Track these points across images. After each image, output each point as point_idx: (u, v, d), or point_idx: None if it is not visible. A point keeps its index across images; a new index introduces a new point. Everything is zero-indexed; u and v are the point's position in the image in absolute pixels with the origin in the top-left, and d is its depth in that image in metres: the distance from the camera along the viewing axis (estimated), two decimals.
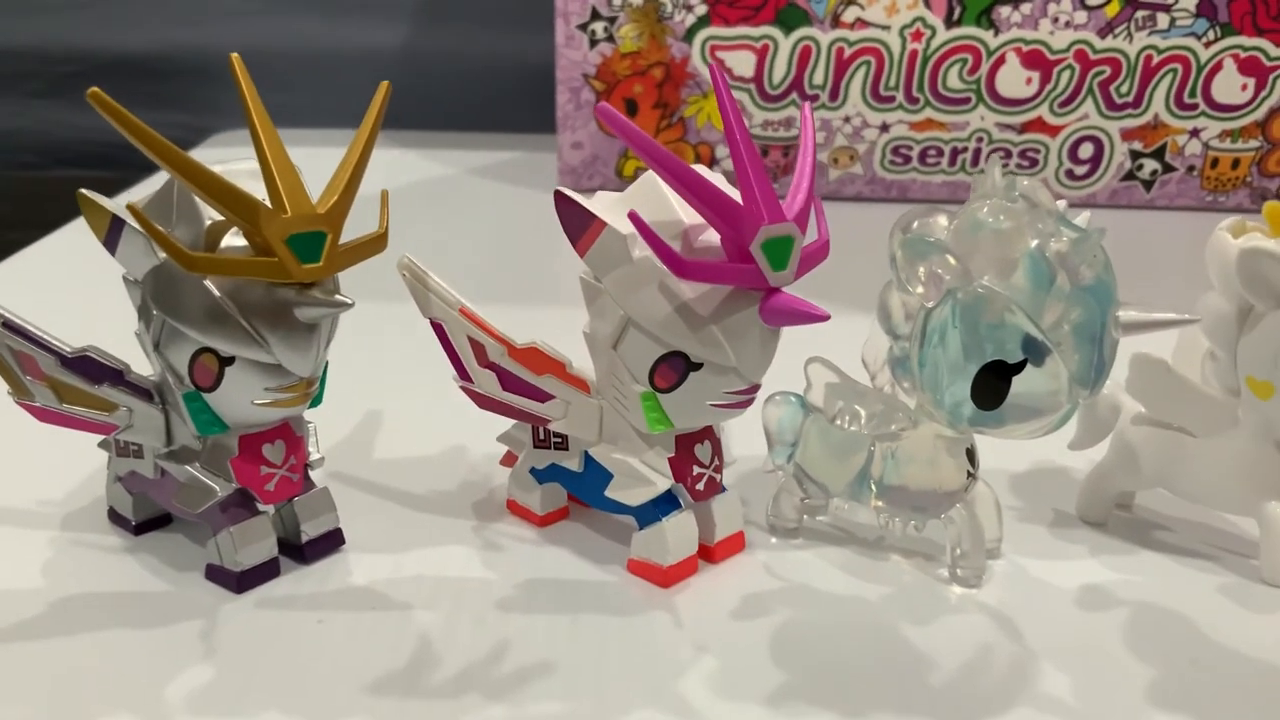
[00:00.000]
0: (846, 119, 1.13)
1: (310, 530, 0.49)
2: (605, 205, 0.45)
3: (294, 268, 0.41)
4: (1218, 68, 1.09)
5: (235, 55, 0.44)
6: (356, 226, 0.43)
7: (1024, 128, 1.12)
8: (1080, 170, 1.14)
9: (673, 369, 0.45)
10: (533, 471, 0.52)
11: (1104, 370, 0.44)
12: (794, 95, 1.12)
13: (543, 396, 0.48)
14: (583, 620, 0.45)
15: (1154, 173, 1.14)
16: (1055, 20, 1.07)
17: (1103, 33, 1.08)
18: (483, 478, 0.56)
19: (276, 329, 0.43)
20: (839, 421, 0.49)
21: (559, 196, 0.45)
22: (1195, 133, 1.12)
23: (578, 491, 0.51)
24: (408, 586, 0.47)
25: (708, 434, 0.49)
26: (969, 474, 0.48)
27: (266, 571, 0.47)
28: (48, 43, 1.43)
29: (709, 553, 0.50)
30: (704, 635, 0.44)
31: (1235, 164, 1.13)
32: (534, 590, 0.47)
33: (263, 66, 1.59)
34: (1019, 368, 0.43)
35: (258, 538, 0.47)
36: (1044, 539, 0.53)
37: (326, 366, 0.47)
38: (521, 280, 0.85)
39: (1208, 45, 1.08)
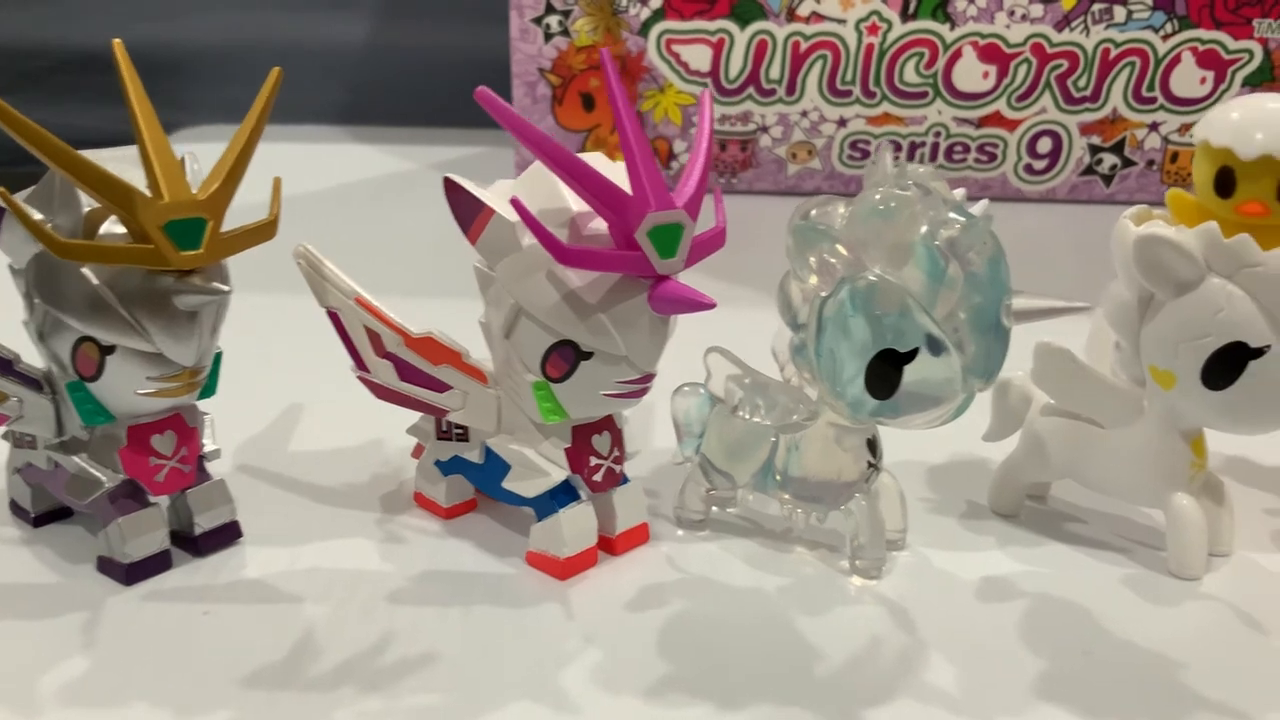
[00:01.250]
0: (804, 113, 1.12)
1: (204, 522, 0.48)
2: (499, 193, 0.45)
3: (171, 255, 0.41)
4: (1176, 61, 1.09)
5: (118, 42, 0.43)
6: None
7: (982, 122, 1.11)
8: (1039, 165, 1.13)
9: (563, 358, 0.44)
10: (437, 463, 0.51)
11: (998, 359, 0.44)
12: (751, 89, 1.11)
13: (440, 387, 0.48)
14: (474, 612, 0.45)
15: (1113, 167, 1.13)
16: (1011, 14, 1.07)
17: (1059, 26, 1.07)
18: (395, 470, 0.56)
19: (156, 317, 0.42)
20: (742, 412, 0.49)
21: (448, 183, 0.45)
22: (1154, 127, 1.11)
23: (479, 483, 0.50)
24: (301, 579, 0.47)
25: (607, 425, 0.48)
26: (869, 465, 0.48)
27: (158, 564, 0.47)
28: (14, 38, 1.42)
29: (610, 544, 0.49)
30: (593, 627, 0.44)
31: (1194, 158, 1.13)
32: (429, 582, 0.47)
33: (229, 61, 1.58)
34: (911, 356, 0.43)
35: (147, 529, 0.46)
36: (953, 530, 0.52)
37: (219, 357, 0.47)
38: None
39: (1165, 38, 1.08)
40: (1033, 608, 0.46)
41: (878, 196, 0.44)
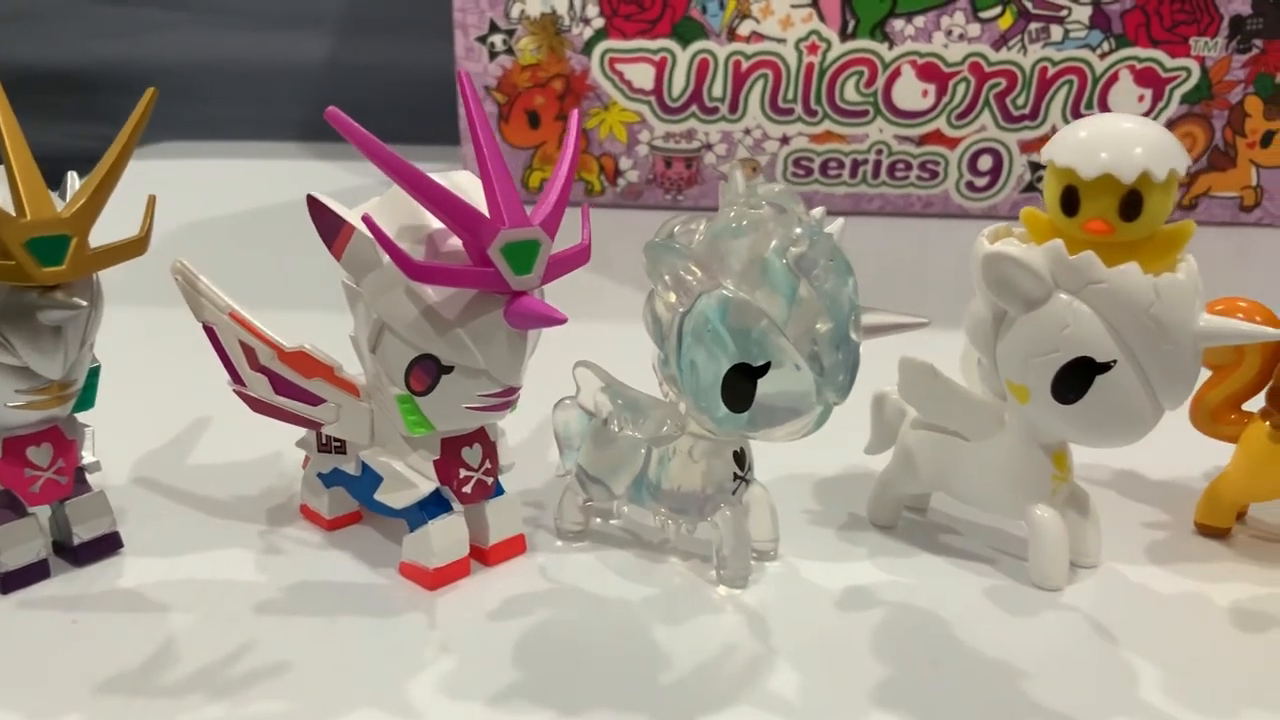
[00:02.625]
0: (747, 131, 1.13)
1: (82, 533, 0.49)
2: (363, 210, 0.46)
3: (33, 270, 0.42)
4: (1114, 79, 1.10)
5: None
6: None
7: (922, 140, 1.13)
8: (980, 182, 1.14)
9: (425, 372, 0.45)
10: (319, 475, 0.52)
11: (850, 373, 0.45)
12: (694, 107, 1.12)
13: (314, 400, 0.48)
14: (338, 622, 0.46)
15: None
16: (949, 33, 1.08)
17: (997, 45, 1.09)
18: (287, 483, 0.57)
19: (21, 332, 0.43)
20: (613, 425, 0.50)
21: (311, 201, 0.46)
22: None
23: (357, 495, 0.51)
24: (174, 589, 0.48)
25: (479, 437, 0.49)
26: (736, 476, 0.49)
27: (35, 573, 0.48)
28: None
29: (484, 555, 0.50)
30: (453, 637, 0.45)
31: None
32: (299, 593, 0.48)
33: (189, 79, 1.59)
34: (764, 370, 0.44)
35: (24, 539, 0.47)
36: (829, 541, 0.53)
37: (97, 370, 0.48)
38: None
39: (1103, 57, 1.09)
40: (890, 617, 0.47)
41: (731, 214, 0.45)
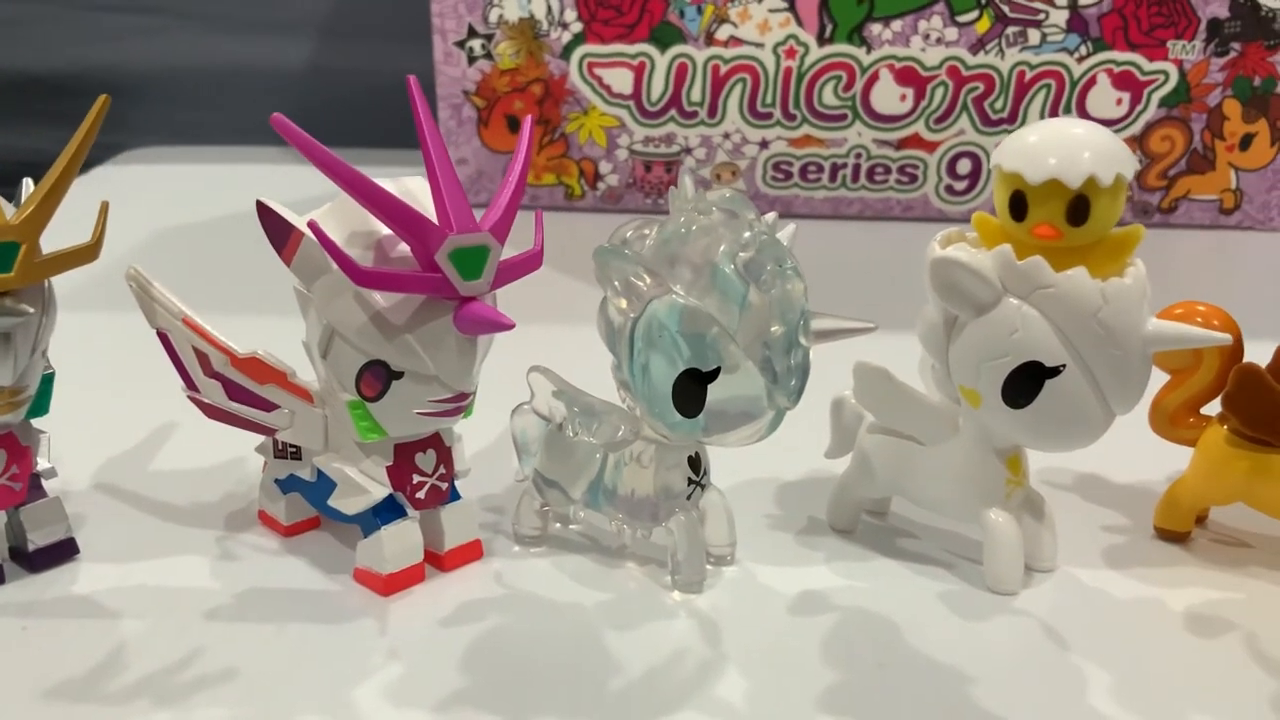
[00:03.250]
0: (726, 135, 1.13)
1: (38, 539, 0.49)
2: (315, 215, 0.46)
3: None
4: (1091, 83, 1.10)
5: None
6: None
7: (901, 144, 1.13)
8: (959, 186, 1.15)
9: (376, 377, 0.45)
10: (276, 481, 0.52)
11: (800, 378, 0.45)
12: (673, 112, 1.12)
13: (268, 406, 0.49)
14: (289, 628, 0.46)
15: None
16: (926, 37, 1.08)
17: (974, 49, 1.09)
18: (248, 489, 0.57)
19: None
20: (568, 430, 0.50)
21: (260, 207, 0.46)
22: None
23: (312, 501, 0.51)
24: (127, 595, 0.48)
25: (433, 443, 0.49)
26: (691, 481, 0.49)
27: None
28: None
29: (439, 561, 0.50)
30: (403, 643, 0.45)
31: None
32: (252, 599, 0.48)
33: (169, 84, 1.59)
34: (714, 375, 0.44)
35: None
36: (787, 546, 0.53)
37: (51, 376, 0.48)
38: None
39: (1080, 60, 1.09)
40: (842, 621, 0.47)
41: (681, 220, 0.45)
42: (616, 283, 0.45)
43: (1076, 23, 1.08)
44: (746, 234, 0.44)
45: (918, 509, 0.54)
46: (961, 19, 1.07)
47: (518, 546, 0.52)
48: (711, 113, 1.13)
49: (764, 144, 1.14)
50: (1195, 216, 1.16)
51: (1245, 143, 1.13)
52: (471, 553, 0.51)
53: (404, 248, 0.44)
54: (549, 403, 0.50)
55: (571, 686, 0.42)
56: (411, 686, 0.42)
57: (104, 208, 0.47)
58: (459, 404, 0.46)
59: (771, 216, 0.47)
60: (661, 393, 0.45)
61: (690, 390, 0.45)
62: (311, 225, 0.43)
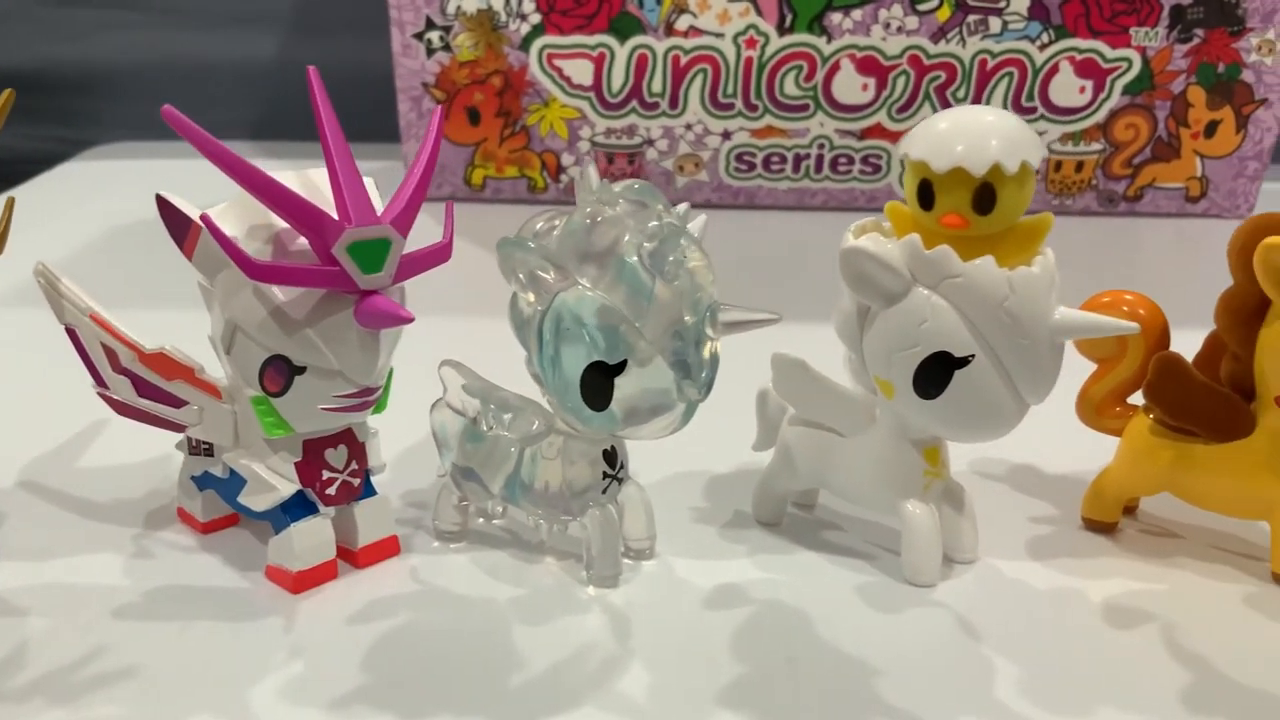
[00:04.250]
0: (688, 126, 1.13)
1: None
2: (217, 210, 0.46)
3: None
4: (1054, 71, 1.10)
5: None
6: None
7: (864, 134, 1.12)
8: None
9: (278, 373, 0.45)
10: (192, 478, 0.52)
11: (709, 369, 0.44)
12: (634, 103, 1.12)
13: (176, 402, 0.48)
14: (194, 626, 0.45)
15: None
16: (887, 26, 1.08)
17: (935, 38, 1.08)
18: (171, 486, 0.56)
19: None
20: (482, 424, 0.49)
21: (160, 201, 0.45)
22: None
23: (226, 498, 0.51)
24: (37, 593, 0.47)
25: (344, 438, 0.49)
26: (606, 475, 0.48)
27: None
28: None
29: (353, 557, 0.50)
30: (307, 641, 0.44)
31: (1079, 167, 1.14)
32: (161, 596, 0.47)
33: (138, 79, 1.58)
34: (621, 368, 0.44)
35: None
36: (709, 539, 0.53)
37: None
38: None
39: (1042, 48, 1.09)
40: (755, 615, 0.47)
41: (587, 211, 0.45)
42: (520, 275, 0.44)
43: (1038, 10, 1.07)
44: (652, 224, 0.44)
45: (846, 501, 0.54)
46: (922, 7, 1.07)
47: (437, 542, 0.52)
48: (673, 104, 1.12)
49: (726, 135, 1.13)
50: (1161, 205, 1.15)
51: (1210, 130, 1.12)
52: (388, 549, 0.50)
53: (301, 242, 0.44)
54: (461, 397, 0.50)
55: (471, 683, 0.42)
56: (308, 685, 0.42)
57: (9, 204, 0.47)
58: (365, 399, 0.46)
59: (683, 207, 0.46)
60: (571, 386, 0.45)
61: (598, 383, 0.44)
62: (204, 218, 0.42)
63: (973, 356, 0.44)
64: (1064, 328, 0.44)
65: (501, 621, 0.46)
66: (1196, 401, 0.49)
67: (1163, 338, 0.52)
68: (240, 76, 1.43)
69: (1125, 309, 0.52)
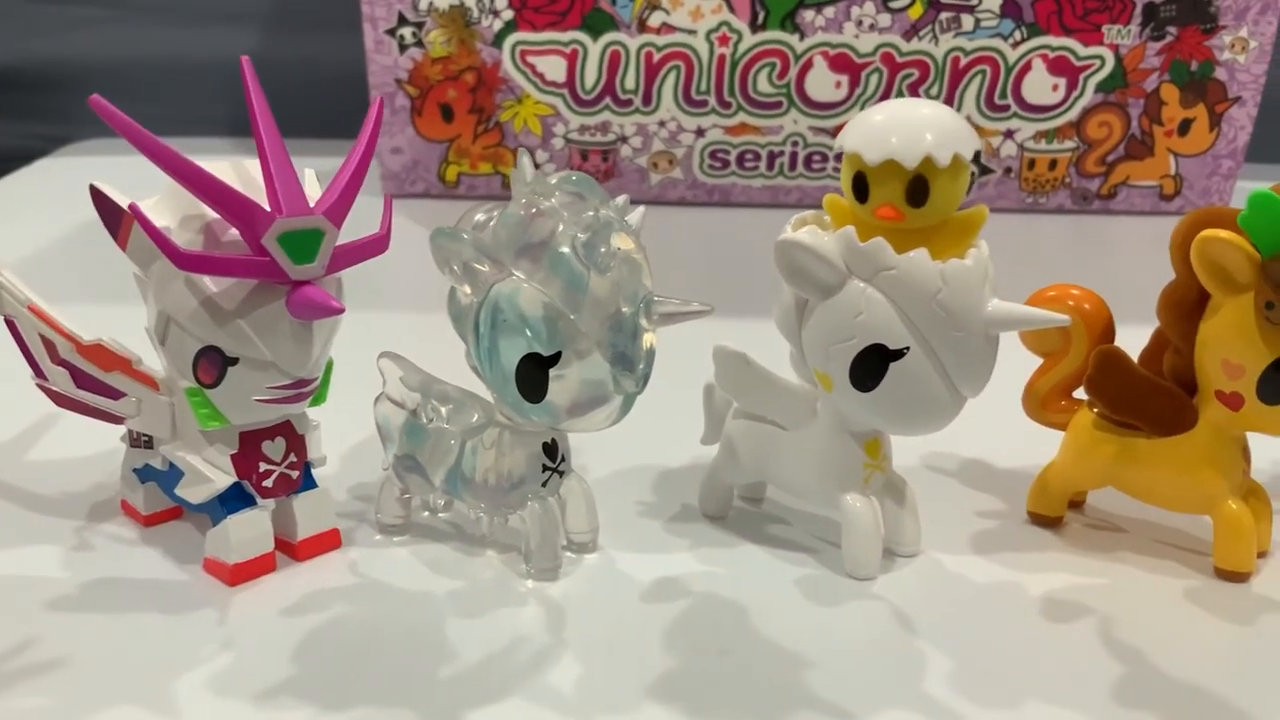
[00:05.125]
0: (662, 123, 1.12)
1: None
2: (150, 201, 0.45)
3: None
4: (1027, 68, 1.10)
5: None
6: None
7: (837, 131, 1.12)
8: None
9: (211, 364, 0.45)
10: (134, 470, 0.52)
11: (646, 361, 0.44)
12: (607, 100, 1.12)
13: (114, 394, 0.48)
14: (128, 619, 0.45)
15: (971, 175, 1.13)
16: (859, 23, 1.08)
17: (908, 35, 1.08)
18: (117, 478, 0.56)
19: None
20: (421, 416, 0.49)
21: (93, 191, 0.45)
22: (1009, 134, 1.12)
23: (166, 490, 0.51)
24: None
25: (283, 430, 0.49)
26: (546, 468, 0.48)
27: None
28: None
29: (293, 550, 0.49)
30: (239, 633, 0.44)
31: (1053, 165, 1.14)
32: (97, 589, 0.47)
33: (117, 76, 1.58)
34: (555, 360, 0.43)
35: None
36: (654, 532, 0.53)
37: None
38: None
39: (1015, 46, 1.09)
40: (692, 608, 0.47)
41: (523, 202, 0.45)
42: (454, 266, 0.44)
43: (1010, 8, 1.07)
44: (587, 216, 0.44)
45: (789, 494, 0.54)
46: (894, 5, 1.07)
47: (379, 536, 0.52)
48: (646, 101, 1.12)
49: (700, 132, 1.13)
50: (1135, 203, 1.15)
51: (1184, 128, 1.12)
52: (328, 542, 0.50)
53: (233, 233, 0.44)
54: (400, 389, 0.50)
55: (399, 676, 0.42)
56: (237, 677, 0.42)
57: None
58: (300, 390, 0.46)
59: (622, 199, 0.46)
60: (508, 378, 0.45)
61: (534, 375, 0.44)
62: (132, 208, 0.42)
63: (908, 349, 0.44)
64: (997, 320, 0.44)
65: (436, 614, 0.46)
66: (1137, 395, 0.49)
67: (1107, 332, 0.52)
68: (218, 73, 1.42)
69: (1070, 303, 0.52)
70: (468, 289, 0.45)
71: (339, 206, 0.44)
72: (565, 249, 0.43)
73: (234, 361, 0.44)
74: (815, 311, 0.46)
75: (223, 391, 0.45)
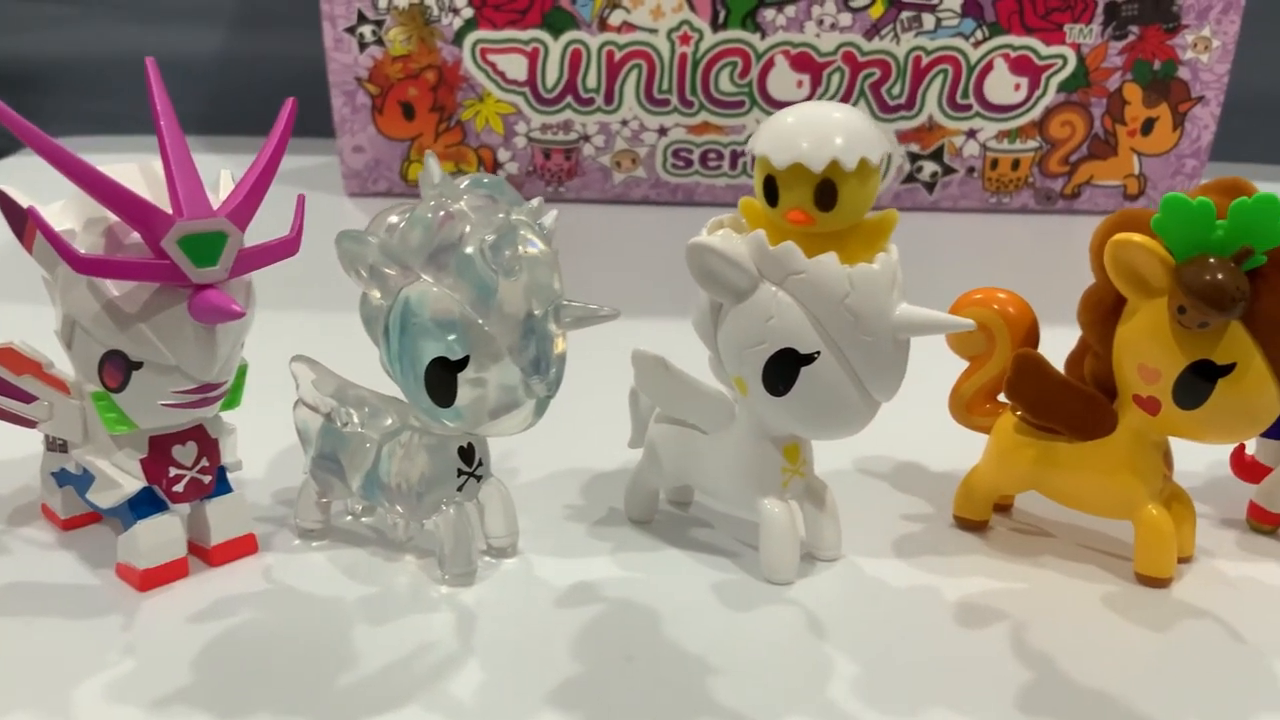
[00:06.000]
0: (624, 122, 1.12)
1: None
2: (59, 204, 0.45)
3: None
4: (989, 68, 1.09)
5: None
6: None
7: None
8: None
9: (116, 368, 0.44)
10: (52, 474, 0.51)
11: (557, 365, 0.44)
12: (569, 98, 1.11)
13: (26, 398, 0.47)
14: (32, 623, 0.45)
15: (934, 174, 1.13)
16: (820, 22, 1.07)
17: (869, 34, 1.08)
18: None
19: None
20: (336, 420, 0.49)
21: None
22: (972, 134, 1.12)
23: (81, 494, 0.50)
24: None
25: (194, 435, 0.48)
26: (461, 472, 0.48)
27: None
28: None
29: (207, 555, 0.49)
30: (143, 639, 0.44)
31: (1015, 165, 1.13)
32: (8, 593, 0.47)
33: (86, 74, 1.57)
34: (464, 364, 0.43)
35: None
36: (576, 537, 0.52)
37: None
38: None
39: (976, 45, 1.08)
40: (604, 613, 0.46)
41: (431, 205, 0.44)
42: (360, 270, 0.44)
43: (971, 7, 1.07)
44: (498, 218, 0.43)
45: (710, 498, 0.53)
46: (855, 4, 1.06)
47: (298, 540, 0.51)
48: (608, 99, 1.11)
49: (663, 131, 1.12)
50: (1100, 203, 1.15)
51: (1147, 127, 1.12)
52: (244, 547, 0.50)
53: (136, 236, 0.43)
54: (313, 393, 0.49)
55: (298, 682, 0.42)
56: (135, 683, 0.41)
57: None
58: (207, 395, 0.45)
59: (535, 202, 0.46)
60: (418, 382, 0.44)
61: (443, 379, 0.44)
62: (30, 211, 0.42)
63: (818, 353, 0.44)
64: (904, 324, 0.44)
65: (345, 620, 0.45)
66: (1056, 399, 0.49)
67: (1030, 336, 0.51)
68: (185, 71, 1.42)
69: (995, 307, 0.51)
70: (377, 293, 0.45)
71: (243, 209, 0.44)
72: (472, 252, 0.42)
73: (138, 365, 0.44)
74: (729, 316, 0.46)
75: (128, 396, 0.45)
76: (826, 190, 0.43)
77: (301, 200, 0.47)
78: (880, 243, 0.45)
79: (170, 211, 0.42)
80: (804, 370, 0.44)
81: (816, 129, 0.43)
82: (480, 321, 0.43)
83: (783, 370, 0.45)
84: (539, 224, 0.45)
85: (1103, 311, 0.47)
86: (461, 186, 0.44)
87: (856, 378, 0.44)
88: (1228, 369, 0.44)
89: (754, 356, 0.45)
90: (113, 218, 0.44)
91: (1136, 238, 0.44)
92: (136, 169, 0.45)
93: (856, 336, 0.43)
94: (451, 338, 0.43)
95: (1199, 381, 0.45)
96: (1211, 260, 0.43)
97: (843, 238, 0.45)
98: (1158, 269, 0.44)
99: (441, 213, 0.43)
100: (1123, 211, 0.47)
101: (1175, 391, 0.45)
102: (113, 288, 0.43)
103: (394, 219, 0.46)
